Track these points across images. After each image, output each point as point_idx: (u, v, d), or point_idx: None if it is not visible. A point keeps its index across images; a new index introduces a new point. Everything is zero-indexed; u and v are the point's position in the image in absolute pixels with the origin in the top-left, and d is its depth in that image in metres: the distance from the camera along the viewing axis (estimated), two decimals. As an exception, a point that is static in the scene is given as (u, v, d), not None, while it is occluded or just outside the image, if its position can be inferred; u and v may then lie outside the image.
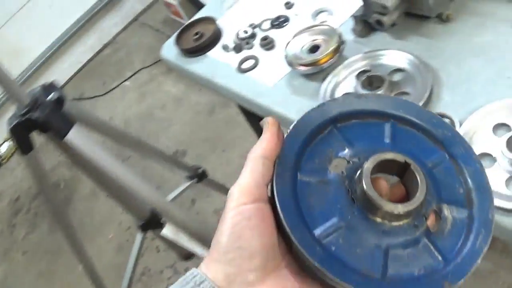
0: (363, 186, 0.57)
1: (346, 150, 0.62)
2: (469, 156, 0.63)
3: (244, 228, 0.56)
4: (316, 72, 1.54)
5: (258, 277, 0.56)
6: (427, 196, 0.58)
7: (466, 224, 0.60)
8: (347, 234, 0.57)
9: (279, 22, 1.80)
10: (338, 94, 1.48)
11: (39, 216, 4.08)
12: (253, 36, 1.81)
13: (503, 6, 1.51)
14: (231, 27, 1.91)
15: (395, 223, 0.58)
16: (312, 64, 1.52)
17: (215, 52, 1.86)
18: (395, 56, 1.48)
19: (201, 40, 1.89)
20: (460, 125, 1.26)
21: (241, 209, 0.57)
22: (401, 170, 0.61)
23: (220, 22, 1.96)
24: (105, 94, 4.51)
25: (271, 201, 0.58)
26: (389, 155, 0.60)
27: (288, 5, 1.84)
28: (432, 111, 0.90)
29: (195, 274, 0.57)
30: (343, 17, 1.70)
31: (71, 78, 4.90)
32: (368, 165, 0.58)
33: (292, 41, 1.60)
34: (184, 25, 1.99)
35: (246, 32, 1.82)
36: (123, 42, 4.91)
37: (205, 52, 1.88)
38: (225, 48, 1.82)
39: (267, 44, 1.73)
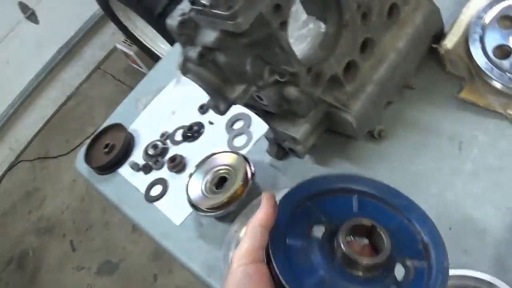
0: (341, 245, 0.70)
1: (323, 219, 0.76)
2: (423, 219, 0.78)
3: (246, 284, 0.68)
4: (224, 215, 1.25)
5: None
6: (392, 251, 0.70)
7: (426, 273, 0.73)
8: (330, 285, 0.69)
9: (192, 132, 1.52)
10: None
11: (10, 286, 3.85)
12: (163, 152, 1.53)
13: (449, 117, 1.22)
14: (144, 134, 1.65)
15: (367, 275, 0.70)
16: (217, 207, 1.24)
17: (125, 171, 1.58)
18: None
19: (111, 153, 1.61)
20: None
21: (243, 268, 0.69)
22: (369, 233, 0.75)
23: (133, 128, 1.68)
24: (68, 153, 4.24)
25: (268, 261, 0.69)
26: (359, 220, 0.74)
27: (203, 110, 1.56)
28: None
29: None
30: (262, 128, 1.41)
31: (36, 134, 4.64)
32: (343, 229, 0.72)
33: (194, 176, 1.32)
34: (94, 135, 1.72)
35: (155, 147, 1.54)
36: (85, 94, 4.63)
37: (115, 170, 1.60)
38: (134, 167, 1.55)
39: (176, 166, 1.46)
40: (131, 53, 3.89)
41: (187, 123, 1.57)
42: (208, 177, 1.31)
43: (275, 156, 1.32)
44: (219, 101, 1.08)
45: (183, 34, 1.00)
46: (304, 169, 1.29)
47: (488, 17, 1.25)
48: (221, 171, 1.30)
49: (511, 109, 1.16)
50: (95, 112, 4.37)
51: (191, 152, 1.50)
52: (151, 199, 1.45)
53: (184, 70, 1.03)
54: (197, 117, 1.57)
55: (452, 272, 0.98)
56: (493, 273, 0.97)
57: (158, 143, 1.55)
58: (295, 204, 0.77)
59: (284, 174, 1.30)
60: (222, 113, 1.12)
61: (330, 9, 1.10)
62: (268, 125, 1.21)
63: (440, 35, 1.30)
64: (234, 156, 1.30)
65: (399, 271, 0.72)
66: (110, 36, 4.58)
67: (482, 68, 1.19)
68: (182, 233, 1.34)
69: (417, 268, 0.73)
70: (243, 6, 0.89)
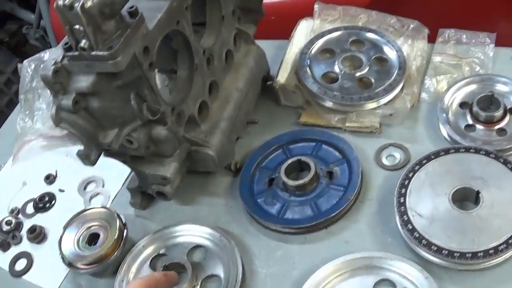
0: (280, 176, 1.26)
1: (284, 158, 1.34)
2: (336, 139, 1.33)
3: None
4: (104, 269, 1.27)
5: None
6: (316, 170, 1.25)
7: (347, 166, 1.27)
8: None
9: (43, 203, 1.51)
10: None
11: None
12: (18, 227, 1.49)
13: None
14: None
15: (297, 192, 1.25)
16: (95, 262, 1.25)
17: (-22, 253, 1.50)
18: (189, 230, 1.28)
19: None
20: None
21: None
22: (304, 166, 1.28)
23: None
24: None
25: None
26: (291, 160, 1.29)
27: (49, 180, 1.56)
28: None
29: None
30: (117, 185, 1.47)
31: None
32: (283, 166, 1.27)
33: (65, 236, 1.31)
34: None
35: (9, 223, 1.49)
36: None
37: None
38: (-9, 246, 1.48)
39: (37, 236, 1.43)
40: None
41: (36, 195, 1.55)
42: (80, 235, 1.31)
43: (140, 207, 1.37)
44: (91, 149, 1.13)
45: (57, 83, 1.04)
46: (170, 212, 1.36)
47: (313, 51, 1.47)
48: (92, 227, 1.31)
49: (348, 122, 1.37)
50: None
51: (49, 221, 1.48)
52: (18, 274, 1.40)
53: (57, 120, 1.07)
54: (45, 188, 1.57)
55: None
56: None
57: (10, 218, 1.52)
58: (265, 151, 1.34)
59: (153, 221, 1.35)
60: (92, 163, 1.17)
61: (182, 55, 1.21)
62: (136, 171, 1.27)
63: (267, 77, 1.49)
64: (103, 210, 1.32)
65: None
66: None
67: (316, 93, 1.39)
68: (61, 300, 1.32)
69: (340, 167, 1.27)
70: (121, 47, 0.97)
